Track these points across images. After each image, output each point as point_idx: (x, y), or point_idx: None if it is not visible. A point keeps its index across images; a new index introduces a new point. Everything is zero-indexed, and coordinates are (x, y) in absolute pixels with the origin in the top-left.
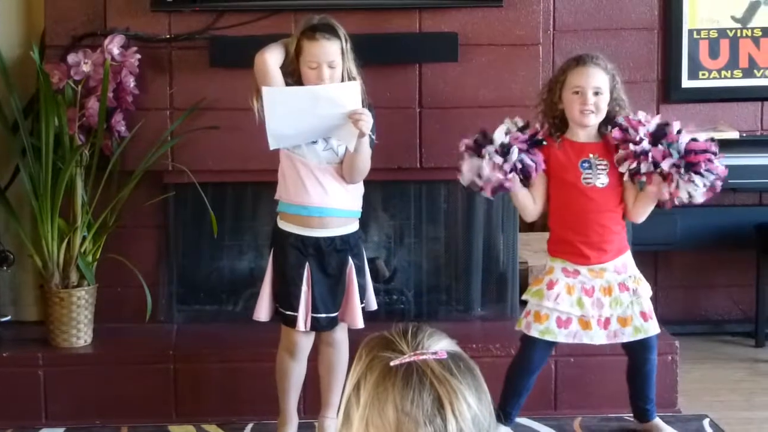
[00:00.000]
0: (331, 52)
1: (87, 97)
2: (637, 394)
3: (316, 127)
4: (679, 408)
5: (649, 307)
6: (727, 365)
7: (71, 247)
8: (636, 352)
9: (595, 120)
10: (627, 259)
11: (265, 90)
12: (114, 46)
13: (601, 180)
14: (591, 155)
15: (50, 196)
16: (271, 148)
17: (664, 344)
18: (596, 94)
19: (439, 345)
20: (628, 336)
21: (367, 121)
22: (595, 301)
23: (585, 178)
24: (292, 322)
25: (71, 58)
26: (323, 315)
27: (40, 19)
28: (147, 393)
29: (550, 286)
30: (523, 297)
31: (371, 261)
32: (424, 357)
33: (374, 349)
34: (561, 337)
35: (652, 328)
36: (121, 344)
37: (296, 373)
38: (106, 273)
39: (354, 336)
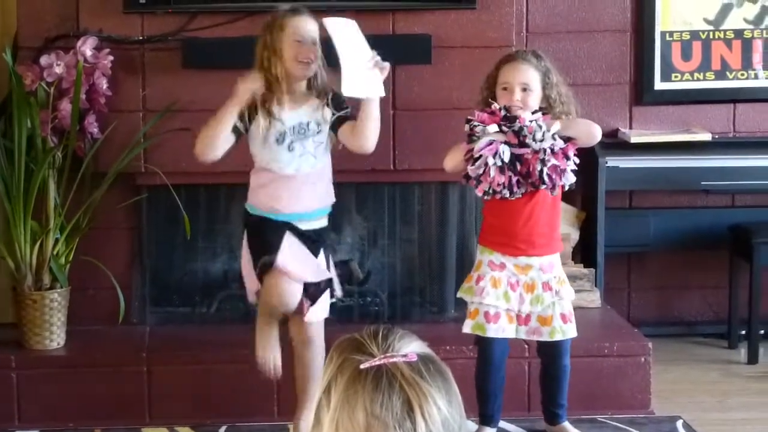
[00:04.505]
0: (314, 29)
1: (60, 99)
2: (549, 399)
3: (364, 61)
4: (653, 409)
5: (569, 310)
6: (700, 366)
7: (44, 249)
8: (550, 356)
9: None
10: (555, 259)
11: (327, 21)
12: (87, 47)
13: None
14: None
15: (23, 198)
16: (347, 94)
17: (637, 345)
18: (524, 90)
19: (409, 347)
20: (546, 335)
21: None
22: (518, 296)
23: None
24: (270, 264)
25: (44, 59)
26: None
27: (13, 20)
28: (120, 395)
29: (478, 281)
30: (458, 295)
31: (345, 263)
32: (394, 360)
33: (345, 351)
34: (490, 331)
35: (570, 331)
36: (94, 346)
37: (274, 329)
38: (79, 275)
39: (328, 336)
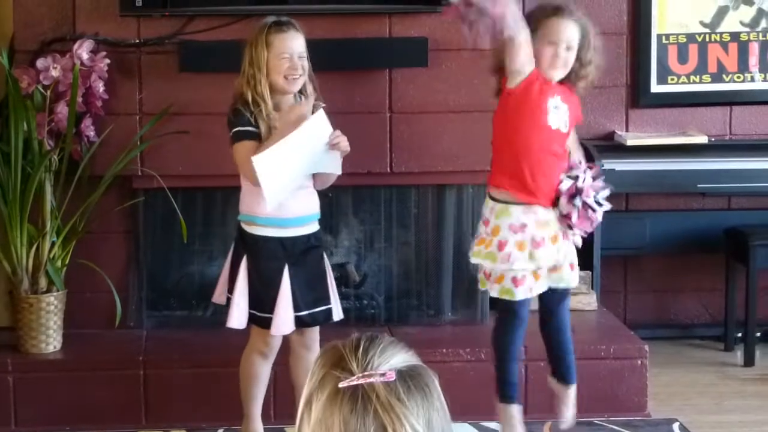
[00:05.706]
0: (301, 44)
1: (56, 102)
2: (557, 358)
3: (304, 167)
4: (649, 412)
5: (575, 258)
6: (696, 369)
7: (40, 252)
8: (549, 302)
9: (561, 75)
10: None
11: (255, 160)
12: (83, 50)
13: (562, 123)
14: (557, 95)
15: (19, 202)
16: (270, 209)
17: (633, 348)
18: (568, 49)
19: (390, 362)
20: (555, 282)
21: (344, 138)
22: (546, 251)
23: (551, 118)
24: (267, 323)
25: (40, 62)
26: (305, 312)
27: (9, 23)
28: (116, 399)
29: (501, 247)
30: (473, 260)
31: (341, 266)
32: (371, 380)
33: (326, 364)
34: (519, 294)
35: (574, 279)
36: (91, 350)
37: (267, 375)
38: (76, 278)
39: (324, 339)
